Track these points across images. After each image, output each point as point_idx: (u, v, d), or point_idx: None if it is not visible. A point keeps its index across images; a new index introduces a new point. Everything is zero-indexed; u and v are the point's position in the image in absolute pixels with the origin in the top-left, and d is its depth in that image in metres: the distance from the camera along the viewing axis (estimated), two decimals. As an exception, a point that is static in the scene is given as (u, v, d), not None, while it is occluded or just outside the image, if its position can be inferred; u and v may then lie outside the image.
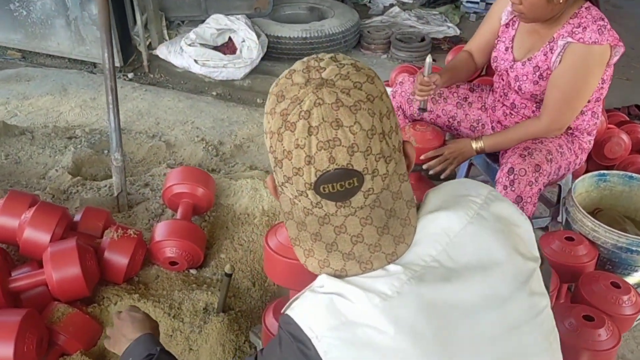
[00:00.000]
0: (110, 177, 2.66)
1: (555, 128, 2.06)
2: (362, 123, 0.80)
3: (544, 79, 2.03)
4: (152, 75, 4.15)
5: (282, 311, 0.94)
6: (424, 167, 2.23)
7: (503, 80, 2.21)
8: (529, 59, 2.06)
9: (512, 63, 2.12)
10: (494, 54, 2.23)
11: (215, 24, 4.01)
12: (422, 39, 4.37)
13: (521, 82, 2.09)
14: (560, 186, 2.31)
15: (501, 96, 2.25)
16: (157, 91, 3.82)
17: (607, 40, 1.89)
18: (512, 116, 2.23)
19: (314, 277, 0.92)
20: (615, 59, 1.97)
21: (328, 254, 0.87)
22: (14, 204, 1.92)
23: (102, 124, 3.27)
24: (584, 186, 2.10)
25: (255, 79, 4.00)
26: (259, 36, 3.95)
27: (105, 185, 2.45)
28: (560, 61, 1.97)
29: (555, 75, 1.99)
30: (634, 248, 1.82)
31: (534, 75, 2.05)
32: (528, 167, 1.96)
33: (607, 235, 1.85)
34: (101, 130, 3.15)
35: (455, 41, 4.54)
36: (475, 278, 0.89)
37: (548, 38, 2.01)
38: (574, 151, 2.14)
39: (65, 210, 1.95)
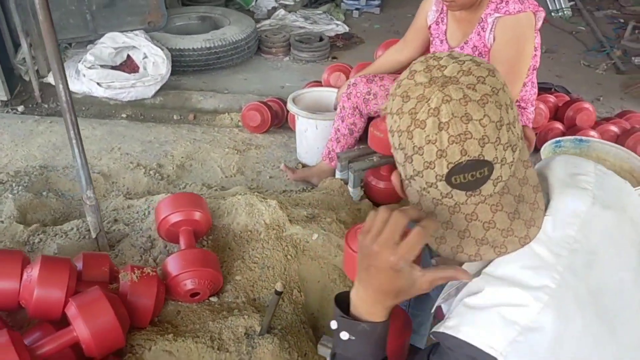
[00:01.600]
0: (67, 219, 2.45)
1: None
2: (491, 115, 0.84)
3: (483, 56, 2.20)
4: (46, 106, 3.77)
5: (435, 330, 0.95)
6: None
7: None
8: (465, 42, 2.24)
9: (450, 50, 2.30)
10: (432, 50, 2.40)
11: (112, 43, 3.77)
12: (321, 39, 4.48)
13: None
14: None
15: None
16: (62, 121, 3.48)
17: (529, 7, 2.10)
18: None
19: None
20: (539, 24, 2.19)
21: (461, 240, 0.91)
22: (2, 265, 1.68)
23: (18, 164, 2.93)
24: (545, 152, 2.35)
25: (166, 96, 3.83)
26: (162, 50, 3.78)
27: (72, 229, 2.22)
28: (494, 38, 2.15)
29: (494, 52, 2.16)
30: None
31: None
32: None
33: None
34: (26, 170, 2.82)
35: (347, 37, 4.74)
36: (613, 257, 0.94)
37: (477, 20, 2.19)
38: (523, 122, 2.39)
39: (70, 262, 1.75)
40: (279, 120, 3.40)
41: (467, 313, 0.90)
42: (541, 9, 2.18)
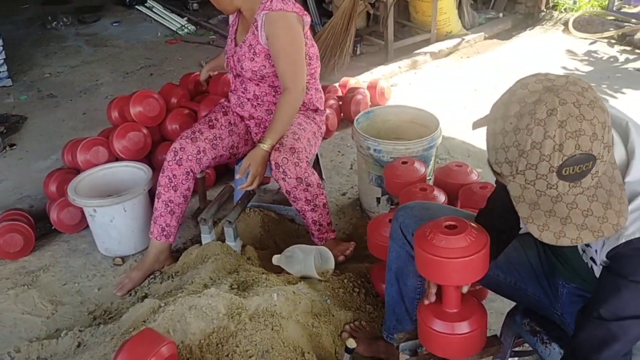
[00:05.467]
0: None
1: (301, 89, 2.34)
2: (599, 117, 1.00)
3: (257, 54, 2.34)
4: None
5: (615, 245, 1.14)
6: (240, 187, 2.35)
7: (233, 69, 2.47)
8: (243, 41, 2.38)
9: (234, 48, 2.42)
10: (225, 49, 2.55)
11: None
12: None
13: (242, 62, 2.37)
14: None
15: (242, 92, 2.49)
16: None
17: (293, 9, 2.32)
18: (261, 106, 2.49)
19: None
20: (307, 28, 2.42)
21: (563, 226, 1.05)
22: None
23: None
24: (360, 120, 2.76)
25: None
26: None
27: None
28: (267, 36, 2.30)
29: (272, 49, 2.30)
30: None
31: (250, 53, 2.35)
32: (286, 155, 2.26)
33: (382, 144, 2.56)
34: None
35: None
36: None
37: (252, 20, 2.36)
38: (316, 122, 2.60)
39: None
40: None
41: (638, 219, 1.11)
42: (307, 13, 2.40)
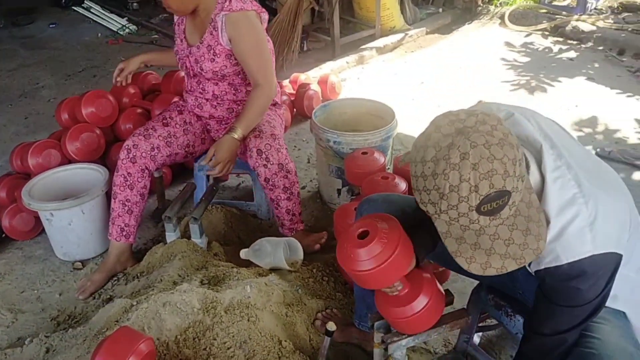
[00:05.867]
0: None
1: (274, 85, 2.37)
2: (509, 154, 1.06)
3: (218, 55, 2.33)
4: None
5: (537, 269, 1.24)
6: (207, 173, 2.40)
7: (189, 70, 2.42)
8: (201, 42, 2.34)
9: (189, 49, 2.38)
10: (175, 49, 2.48)
11: None
12: None
13: (201, 63, 2.35)
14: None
15: (200, 93, 2.46)
16: None
17: (252, 7, 2.32)
18: (221, 105, 2.48)
19: None
20: (265, 24, 2.43)
21: (488, 257, 1.13)
22: None
23: None
24: (317, 114, 2.79)
25: None
26: None
27: None
28: (229, 38, 2.29)
29: (238, 50, 2.29)
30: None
31: (209, 54, 2.33)
32: (268, 141, 2.30)
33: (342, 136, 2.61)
34: None
35: None
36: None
37: (208, 20, 2.32)
38: (279, 115, 2.64)
39: None
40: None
41: (554, 249, 1.18)
42: (264, 10, 2.41)
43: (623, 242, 1.21)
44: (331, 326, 1.57)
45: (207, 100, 2.45)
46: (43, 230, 2.66)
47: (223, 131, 2.48)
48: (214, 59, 2.31)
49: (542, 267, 1.21)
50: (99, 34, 5.75)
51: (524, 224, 1.12)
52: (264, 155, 2.26)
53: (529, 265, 1.27)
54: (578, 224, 1.16)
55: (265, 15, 2.39)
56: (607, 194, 1.20)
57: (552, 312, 1.27)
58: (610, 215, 1.18)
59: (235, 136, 2.24)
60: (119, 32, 5.76)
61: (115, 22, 5.94)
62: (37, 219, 2.63)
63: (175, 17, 2.48)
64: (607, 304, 1.31)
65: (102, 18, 6.07)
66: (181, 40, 2.42)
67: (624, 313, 1.36)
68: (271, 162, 2.27)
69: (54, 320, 2.21)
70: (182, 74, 2.55)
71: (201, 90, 2.43)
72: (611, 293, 1.28)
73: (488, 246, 1.12)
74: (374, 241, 1.33)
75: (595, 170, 1.27)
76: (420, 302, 1.47)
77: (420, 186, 1.12)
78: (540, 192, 1.20)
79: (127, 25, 5.85)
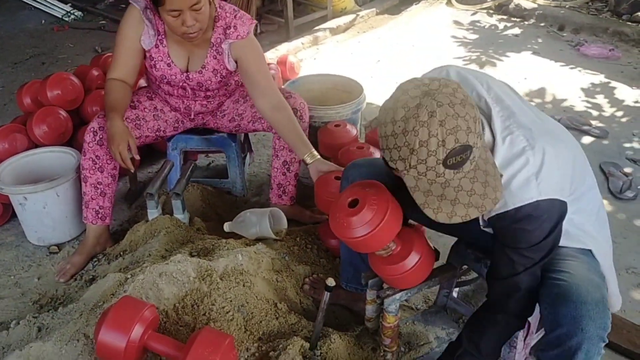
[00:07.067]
0: None
1: (278, 93, 2.33)
2: (470, 112, 1.19)
3: (225, 76, 2.35)
4: None
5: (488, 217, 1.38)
6: None
7: (186, 92, 2.37)
8: (203, 67, 2.30)
9: (185, 74, 2.29)
10: (156, 74, 2.30)
11: None
12: None
13: (207, 85, 2.35)
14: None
15: (192, 99, 2.42)
16: None
17: (249, 22, 2.28)
18: (212, 102, 2.47)
19: None
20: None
21: (453, 207, 1.24)
22: None
23: None
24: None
25: None
26: None
27: None
28: (236, 61, 2.30)
29: (246, 73, 2.29)
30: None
31: (217, 77, 2.33)
32: (302, 100, 2.45)
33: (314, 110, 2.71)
34: None
35: None
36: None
37: (207, 44, 2.27)
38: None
39: None
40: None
41: (502, 197, 1.29)
42: (254, 21, 2.34)
43: (567, 190, 1.35)
44: (331, 282, 1.64)
45: (196, 101, 2.43)
46: (12, 217, 2.60)
47: (213, 123, 2.56)
48: (221, 80, 2.34)
49: (494, 214, 1.35)
50: (43, 21, 5.55)
51: (483, 177, 1.24)
52: (298, 113, 2.39)
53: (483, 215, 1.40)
54: (525, 173, 1.29)
55: (253, 25, 2.32)
56: (553, 146, 1.33)
57: (505, 255, 1.41)
58: (554, 166, 1.31)
59: (318, 157, 2.25)
60: (63, 18, 5.58)
61: (58, 9, 5.73)
62: (5, 205, 2.57)
63: (147, 42, 2.23)
64: (575, 244, 1.47)
65: (43, 4, 5.84)
66: (168, 65, 2.27)
67: (590, 251, 1.50)
68: (304, 120, 2.42)
69: (36, 303, 2.18)
70: (164, 85, 2.36)
71: (193, 97, 2.41)
72: (578, 231, 1.44)
73: (453, 197, 1.23)
74: (365, 208, 1.43)
75: (543, 126, 1.39)
76: (413, 258, 1.57)
77: (391, 144, 1.21)
78: (492, 150, 1.33)
79: (71, 12, 5.67)
